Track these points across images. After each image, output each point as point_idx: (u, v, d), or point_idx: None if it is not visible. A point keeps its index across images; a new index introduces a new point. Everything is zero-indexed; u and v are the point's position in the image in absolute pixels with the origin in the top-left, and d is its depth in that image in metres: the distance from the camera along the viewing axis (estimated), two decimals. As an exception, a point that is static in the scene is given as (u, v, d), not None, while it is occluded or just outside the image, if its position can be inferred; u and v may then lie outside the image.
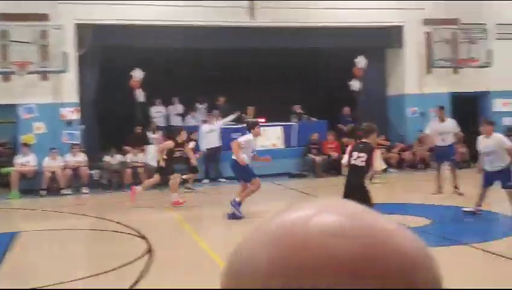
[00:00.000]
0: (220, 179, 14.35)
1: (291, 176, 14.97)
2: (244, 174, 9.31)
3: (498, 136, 8.53)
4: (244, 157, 9.05)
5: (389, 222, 0.53)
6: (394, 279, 0.47)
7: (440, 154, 11.20)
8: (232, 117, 15.00)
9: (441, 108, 11.48)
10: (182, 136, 11.01)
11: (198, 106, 16.29)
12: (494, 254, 6.64)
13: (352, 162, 6.80)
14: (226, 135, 14.73)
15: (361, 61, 15.69)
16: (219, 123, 14.73)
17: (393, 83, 16.92)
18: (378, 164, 6.75)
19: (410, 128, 16.09)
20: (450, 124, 11.39)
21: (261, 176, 14.16)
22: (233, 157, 9.19)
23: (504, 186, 8.29)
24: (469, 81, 16.33)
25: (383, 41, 16.56)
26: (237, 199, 9.06)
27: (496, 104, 16.62)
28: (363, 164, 6.67)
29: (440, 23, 15.87)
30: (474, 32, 15.95)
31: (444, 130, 11.14)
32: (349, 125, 16.28)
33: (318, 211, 0.52)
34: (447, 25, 15.92)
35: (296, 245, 0.49)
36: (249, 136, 9.30)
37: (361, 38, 16.00)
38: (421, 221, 8.64)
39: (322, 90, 17.45)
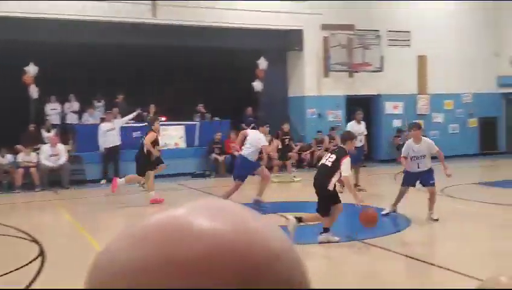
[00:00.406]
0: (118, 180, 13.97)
1: (194, 175, 14.93)
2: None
3: (428, 141, 8.59)
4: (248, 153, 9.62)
5: (258, 221, 0.54)
6: (234, 279, 0.48)
7: (355, 155, 11.73)
8: (132, 115, 14.66)
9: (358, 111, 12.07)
10: (157, 126, 10.80)
11: (96, 103, 15.77)
12: (383, 248, 7.03)
13: (323, 161, 7.32)
14: (126, 134, 14.39)
15: (262, 63, 15.99)
16: (118, 122, 14.34)
17: (294, 85, 17.41)
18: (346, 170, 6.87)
19: (309, 129, 16.63)
20: (364, 126, 12.10)
21: (163, 176, 14.06)
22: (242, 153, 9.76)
23: (426, 185, 8.49)
24: (363, 85, 17.20)
25: (283, 44, 16.99)
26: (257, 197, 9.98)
27: (387, 106, 17.62)
28: (330, 164, 7.08)
29: (337, 29, 16.56)
30: (368, 38, 16.80)
31: (361, 131, 11.81)
32: (252, 125, 16.50)
33: (185, 211, 0.53)
34: (343, 30, 16.64)
35: (151, 245, 0.50)
36: (252, 132, 10.12)
37: (263, 40, 16.32)
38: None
39: (225, 90, 17.55)
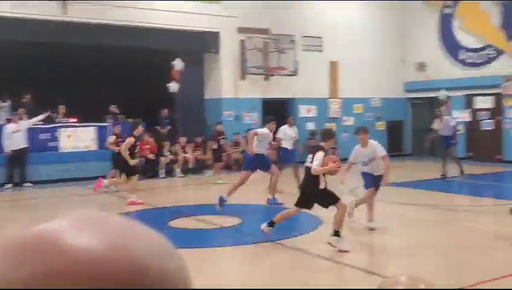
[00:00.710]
0: (25, 184, 13.30)
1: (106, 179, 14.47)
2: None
3: (374, 144, 8.10)
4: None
5: (133, 235, 0.53)
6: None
7: (287, 157, 11.96)
8: (41, 117, 13.99)
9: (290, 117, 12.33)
10: (140, 130, 10.78)
11: (1, 103, 14.90)
12: (295, 249, 7.16)
13: (306, 163, 7.09)
14: (34, 136, 13.72)
15: (178, 64, 15.82)
16: (25, 123, 13.62)
17: (211, 87, 17.38)
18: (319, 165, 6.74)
19: (226, 131, 16.63)
20: (296, 131, 12.51)
21: (74, 179, 13.52)
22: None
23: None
24: (278, 88, 17.50)
25: (200, 45, 16.91)
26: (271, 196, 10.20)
27: (301, 110, 18.02)
28: (311, 165, 6.93)
29: (253, 32, 16.74)
30: (283, 42, 17.11)
31: (294, 135, 12.24)
32: (167, 127, 16.32)
33: (55, 224, 0.52)
34: (259, 34, 16.85)
35: (11, 261, 0.48)
36: (264, 130, 10.20)
37: (180, 41, 16.17)
38: (232, 220, 8.99)
39: (140, 91, 17.20)
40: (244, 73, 16.89)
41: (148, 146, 14.81)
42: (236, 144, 16.30)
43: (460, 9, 18.78)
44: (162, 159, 14.98)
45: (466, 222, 8.37)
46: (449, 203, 10.54)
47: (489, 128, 17.72)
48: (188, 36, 16.24)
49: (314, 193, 6.99)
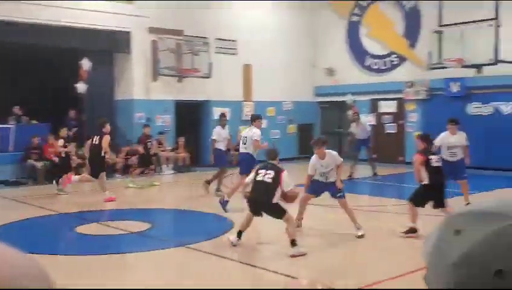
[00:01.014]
0: None
1: (7, 183, 13.72)
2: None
3: (332, 154, 8.06)
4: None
5: None
6: None
7: (221, 158, 12.09)
8: None
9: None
10: (108, 128, 11.49)
11: None
12: (206, 252, 7.16)
13: (260, 178, 7.24)
14: None
15: (86, 64, 15.29)
16: None
17: (122, 88, 16.95)
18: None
19: (137, 133, 16.30)
20: (228, 131, 12.54)
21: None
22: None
23: (335, 196, 8.14)
24: (192, 90, 17.41)
25: (111, 45, 16.45)
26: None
27: (215, 112, 18.01)
28: (271, 181, 7.11)
29: (165, 33, 16.53)
30: (196, 44, 17.04)
31: (225, 136, 12.27)
32: (74, 129, 15.74)
33: None
34: (172, 35, 16.67)
35: None
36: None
37: (89, 40, 15.64)
38: (141, 225, 8.83)
39: (45, 91, 16.49)
40: (156, 74, 16.62)
41: (53, 149, 14.18)
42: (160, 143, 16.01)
43: (366, 18, 19.63)
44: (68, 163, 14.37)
45: (370, 221, 8.73)
46: (354, 204, 10.97)
47: (393, 131, 18.65)
48: (98, 35, 15.75)
49: (267, 205, 7.14)
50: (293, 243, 6.95)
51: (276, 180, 7.04)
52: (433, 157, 7.73)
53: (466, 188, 9.93)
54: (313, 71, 20.79)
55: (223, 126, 12.31)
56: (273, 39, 19.45)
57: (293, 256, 6.87)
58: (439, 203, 7.66)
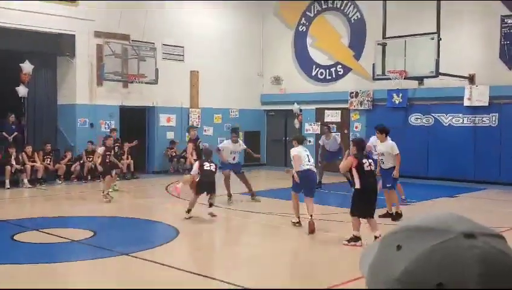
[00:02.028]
0: None
1: None
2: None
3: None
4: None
5: None
6: None
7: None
8: None
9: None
10: (110, 141, 12.44)
11: None
12: (150, 261, 7.03)
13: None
14: None
15: (27, 66, 14.78)
16: None
17: (65, 92, 16.47)
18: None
19: (80, 139, 15.91)
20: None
21: None
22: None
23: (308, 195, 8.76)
24: (138, 96, 17.14)
25: (54, 48, 15.97)
26: None
27: (161, 118, 17.82)
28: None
29: (111, 37, 16.22)
30: (143, 49, 16.80)
31: None
32: (15, 133, 15.17)
33: None
34: (118, 39, 16.37)
35: None
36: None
37: (31, 42, 15.15)
38: (84, 233, 8.58)
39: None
40: (101, 79, 16.26)
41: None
42: (91, 152, 15.58)
43: (313, 28, 19.96)
44: (8, 168, 13.81)
45: (317, 230, 8.81)
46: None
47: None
48: (40, 38, 15.27)
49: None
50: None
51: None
52: (366, 162, 7.81)
53: (389, 197, 9.86)
54: (260, 79, 20.92)
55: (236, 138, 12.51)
56: (221, 46, 19.45)
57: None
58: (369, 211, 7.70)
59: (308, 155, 9.00)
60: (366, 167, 7.70)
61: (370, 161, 7.86)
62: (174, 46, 18.23)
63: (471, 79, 15.68)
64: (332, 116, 19.32)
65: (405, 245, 0.83)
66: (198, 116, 19.00)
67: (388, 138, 10.00)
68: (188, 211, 9.68)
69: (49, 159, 14.91)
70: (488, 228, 0.87)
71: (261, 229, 9.53)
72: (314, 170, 9.12)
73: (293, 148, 9.18)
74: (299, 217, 8.96)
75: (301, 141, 9.41)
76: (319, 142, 15.35)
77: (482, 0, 15.47)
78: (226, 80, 19.46)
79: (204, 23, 19.01)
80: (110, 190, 12.38)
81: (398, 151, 9.78)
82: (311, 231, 8.39)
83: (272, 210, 10.87)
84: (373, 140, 11.10)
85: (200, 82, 18.96)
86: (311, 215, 8.50)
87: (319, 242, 8.25)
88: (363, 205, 7.65)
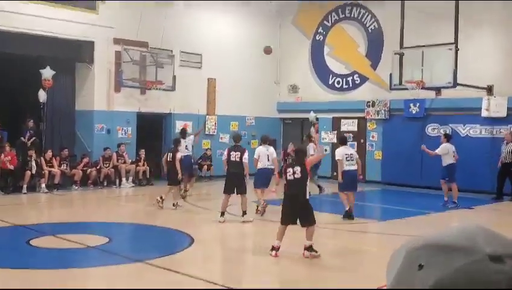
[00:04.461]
0: None
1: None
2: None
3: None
4: None
5: None
6: None
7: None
8: None
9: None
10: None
11: None
12: (165, 269, 7.05)
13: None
14: None
15: (47, 72, 14.98)
16: None
17: (83, 98, 16.66)
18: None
19: (97, 145, 16.06)
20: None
21: None
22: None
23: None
24: (155, 103, 17.27)
25: (73, 54, 16.19)
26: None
27: (177, 125, 17.90)
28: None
29: (130, 44, 16.37)
30: (161, 56, 16.94)
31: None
32: (33, 138, 15.37)
33: None
34: (137, 46, 16.53)
35: None
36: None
37: (51, 48, 15.38)
38: (100, 240, 8.64)
39: (4, 99, 16.07)
40: (119, 85, 16.42)
41: (9, 158, 13.78)
42: (108, 158, 15.71)
43: (330, 37, 19.95)
44: (26, 173, 13.97)
45: (324, 239, 8.78)
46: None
47: (354, 149, 18.85)
48: (60, 44, 15.48)
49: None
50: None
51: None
52: (290, 171, 7.75)
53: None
54: (276, 87, 20.95)
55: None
56: (238, 54, 19.54)
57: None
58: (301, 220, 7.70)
59: (351, 154, 10.85)
60: (289, 176, 7.72)
61: (296, 169, 7.72)
62: (192, 53, 18.34)
63: (489, 90, 15.53)
64: (349, 126, 19.25)
65: (427, 265, 0.78)
66: (215, 123, 19.06)
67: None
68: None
69: (65, 165, 15.06)
70: None
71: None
72: (355, 168, 10.86)
73: (336, 150, 11.19)
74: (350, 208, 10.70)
75: (344, 141, 11.34)
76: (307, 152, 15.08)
77: (500, 10, 15.35)
78: (243, 87, 19.51)
79: (222, 31, 19.12)
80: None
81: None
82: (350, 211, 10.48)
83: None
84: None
85: (217, 89, 19.05)
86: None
87: (348, 251, 8.20)
88: (284, 212, 7.80)
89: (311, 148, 14.80)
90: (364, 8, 18.93)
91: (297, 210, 7.71)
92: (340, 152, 10.85)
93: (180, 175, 11.70)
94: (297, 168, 7.70)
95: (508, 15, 15.33)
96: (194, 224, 10.40)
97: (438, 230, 0.85)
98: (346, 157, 10.83)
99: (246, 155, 10.36)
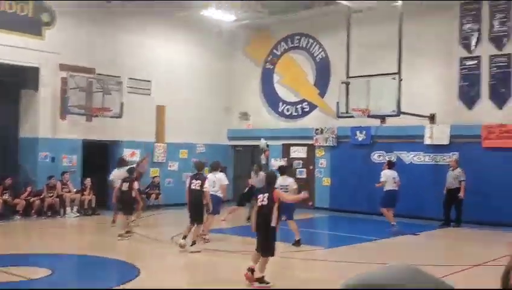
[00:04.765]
0: None
1: None
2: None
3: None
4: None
5: None
6: None
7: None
8: None
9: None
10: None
11: None
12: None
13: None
14: None
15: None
16: None
17: (27, 125, 16.18)
18: None
19: (41, 173, 15.57)
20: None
21: None
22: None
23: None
24: (102, 130, 16.95)
25: (17, 80, 15.76)
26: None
27: (125, 153, 17.60)
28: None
29: (76, 70, 16.08)
30: (108, 83, 16.69)
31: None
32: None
33: None
34: (83, 73, 16.25)
35: None
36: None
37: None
38: (42, 272, 8.31)
39: None
40: (64, 112, 16.03)
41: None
42: (52, 187, 15.24)
43: (279, 66, 20.29)
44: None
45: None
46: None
47: (303, 176, 19.08)
48: (4, 69, 15.04)
49: None
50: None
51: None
52: (260, 197, 7.75)
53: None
54: (227, 115, 21.02)
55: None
56: (189, 81, 19.55)
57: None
58: None
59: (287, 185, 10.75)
60: (259, 202, 7.80)
61: (265, 195, 7.76)
62: (141, 80, 18.21)
63: (431, 118, 16.10)
64: (299, 153, 19.48)
65: None
66: (164, 151, 18.87)
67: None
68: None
69: (7, 194, 14.50)
70: (443, 282, 0.84)
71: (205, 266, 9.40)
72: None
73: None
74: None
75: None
76: (249, 180, 15.05)
77: (440, 42, 16.06)
78: (193, 115, 19.47)
79: (173, 58, 19.11)
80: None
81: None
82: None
83: (237, 248, 10.76)
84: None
85: (166, 117, 18.91)
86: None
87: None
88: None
89: (261, 177, 14.64)
90: (312, 38, 19.38)
91: (259, 237, 7.77)
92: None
93: (142, 204, 11.67)
94: (266, 195, 7.75)
95: (447, 46, 16.02)
96: (140, 255, 10.17)
97: (373, 268, 0.86)
98: (281, 188, 10.65)
99: (206, 184, 10.39)
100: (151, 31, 18.40)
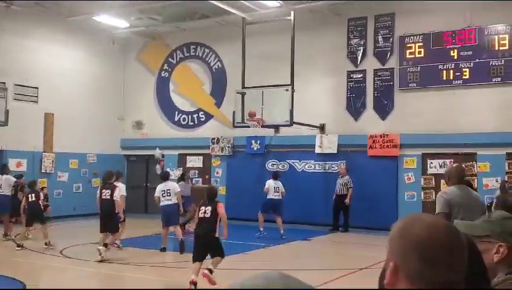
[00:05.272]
0: None
1: None
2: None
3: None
4: None
5: None
6: None
7: None
8: None
9: None
10: None
11: None
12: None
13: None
14: None
15: None
16: None
17: None
18: None
19: None
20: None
21: None
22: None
23: None
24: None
25: None
26: None
27: (10, 163, 16.54)
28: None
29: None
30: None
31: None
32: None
33: None
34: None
35: None
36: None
37: None
38: None
39: None
40: None
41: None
42: None
43: (175, 74, 20.17)
44: None
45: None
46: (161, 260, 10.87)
47: (199, 185, 19.02)
48: None
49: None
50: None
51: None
52: (202, 209, 8.11)
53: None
54: (120, 124, 20.50)
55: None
56: (80, 89, 18.84)
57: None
58: None
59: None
60: (201, 214, 8.04)
61: (208, 208, 8.03)
62: (28, 86, 17.27)
63: (321, 128, 16.83)
64: (195, 162, 19.43)
65: None
66: (52, 161, 17.99)
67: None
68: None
69: None
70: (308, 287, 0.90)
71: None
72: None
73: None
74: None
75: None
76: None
77: (329, 56, 16.88)
78: (84, 123, 18.75)
79: (63, 65, 18.30)
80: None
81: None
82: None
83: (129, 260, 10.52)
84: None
85: (55, 125, 18.06)
86: None
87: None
88: (194, 249, 8.21)
89: (183, 187, 14.36)
90: (208, 47, 19.50)
91: (204, 248, 8.03)
92: (158, 189, 11.88)
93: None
94: (209, 208, 7.94)
95: (336, 60, 16.84)
96: (27, 269, 9.61)
97: (247, 276, 0.92)
98: (163, 194, 11.63)
99: (116, 193, 10.47)
100: (39, 35, 17.54)
